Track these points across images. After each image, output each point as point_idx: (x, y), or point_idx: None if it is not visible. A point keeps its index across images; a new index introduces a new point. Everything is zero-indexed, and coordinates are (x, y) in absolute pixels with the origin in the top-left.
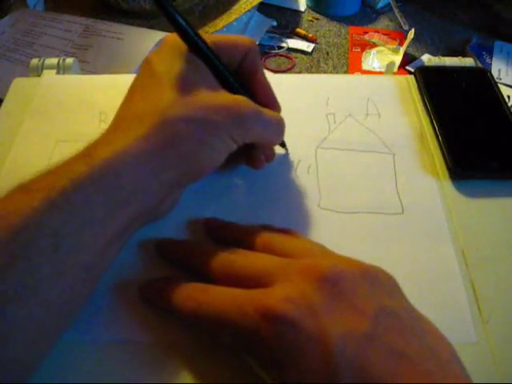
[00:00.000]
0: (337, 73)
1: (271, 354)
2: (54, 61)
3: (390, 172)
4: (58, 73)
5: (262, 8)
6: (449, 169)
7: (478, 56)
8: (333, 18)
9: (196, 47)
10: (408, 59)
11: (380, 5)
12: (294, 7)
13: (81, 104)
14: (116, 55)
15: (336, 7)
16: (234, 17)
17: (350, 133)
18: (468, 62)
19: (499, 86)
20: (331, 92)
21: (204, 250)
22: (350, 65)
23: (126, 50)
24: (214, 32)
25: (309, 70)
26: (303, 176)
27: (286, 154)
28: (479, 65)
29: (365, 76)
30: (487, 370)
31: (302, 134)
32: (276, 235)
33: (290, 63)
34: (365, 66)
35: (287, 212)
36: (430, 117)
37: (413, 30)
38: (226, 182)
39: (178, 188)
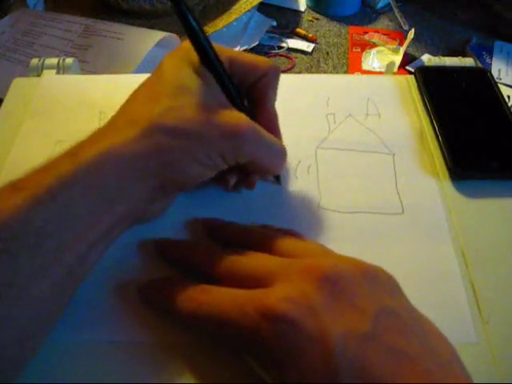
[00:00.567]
0: (337, 73)
1: (271, 354)
2: (53, 61)
3: (390, 172)
4: (57, 73)
5: (262, 8)
6: (449, 169)
7: (478, 56)
8: (333, 18)
9: (206, 57)
10: (408, 59)
11: (380, 5)
12: (294, 7)
13: (81, 104)
14: (116, 55)
15: (336, 7)
16: (233, 17)
17: (350, 133)
18: (468, 61)
19: (499, 85)
20: (331, 92)
21: (204, 250)
22: (350, 65)
23: (126, 50)
24: (214, 32)
25: (309, 70)
26: (303, 176)
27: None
28: (479, 65)
29: (365, 76)
30: (487, 370)
31: (302, 134)
32: (277, 235)
33: (290, 63)
34: (365, 66)
35: (287, 212)
36: (430, 117)
37: (413, 30)
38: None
39: (164, 194)
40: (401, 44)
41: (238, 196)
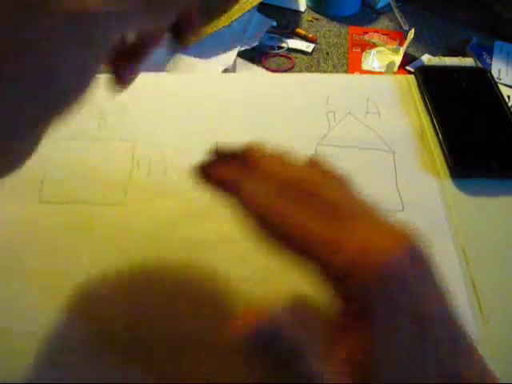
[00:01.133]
0: (337, 73)
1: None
2: None
3: (391, 170)
4: None
5: (262, 8)
6: (449, 167)
7: (478, 56)
8: (333, 18)
9: None
10: (408, 59)
11: (380, 5)
12: (294, 7)
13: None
14: None
15: (336, 7)
16: (233, 17)
17: (350, 131)
18: (468, 61)
19: (499, 86)
20: (331, 91)
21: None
22: (350, 65)
23: None
24: (214, 32)
25: (309, 70)
26: None
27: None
28: (479, 65)
29: (365, 75)
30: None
31: (302, 131)
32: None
33: (290, 63)
34: (365, 66)
35: None
36: (430, 116)
37: (413, 30)
38: None
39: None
40: (401, 44)
41: None
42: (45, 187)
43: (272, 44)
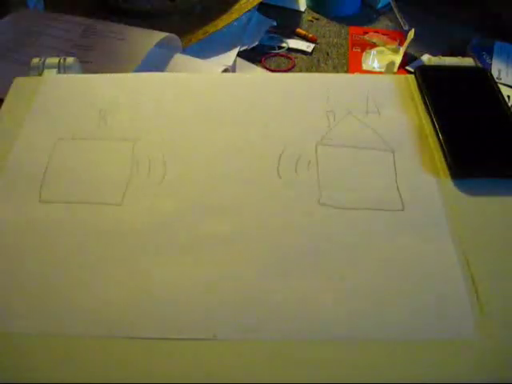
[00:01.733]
0: (337, 73)
1: None
2: (54, 60)
3: (391, 169)
4: (58, 72)
5: (262, 8)
6: (449, 167)
7: (478, 56)
8: (333, 18)
9: None
10: (408, 59)
11: (380, 5)
12: (294, 7)
13: (81, 103)
14: (116, 55)
15: (336, 7)
16: (233, 17)
17: (350, 130)
18: (468, 61)
19: (499, 86)
20: (331, 90)
21: None
22: (350, 65)
23: (127, 50)
24: (214, 32)
25: (309, 70)
26: (303, 172)
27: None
28: (479, 65)
29: (365, 75)
30: (488, 366)
31: (303, 130)
32: None
33: (290, 63)
34: (365, 66)
35: (287, 208)
36: (430, 115)
37: (413, 30)
38: (225, 178)
39: None
40: (401, 44)
41: (236, 190)
42: (45, 187)
43: (272, 44)
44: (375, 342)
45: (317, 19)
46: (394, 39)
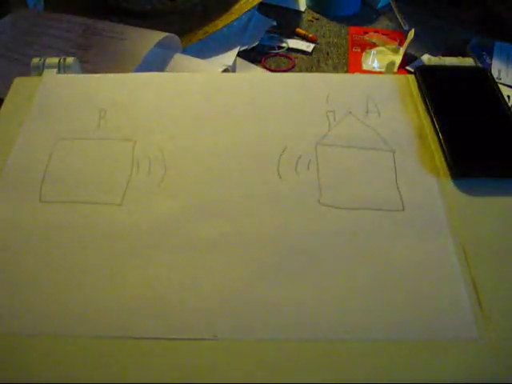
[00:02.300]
0: (337, 73)
1: None
2: (54, 60)
3: (391, 169)
4: (58, 72)
5: (262, 8)
6: (449, 167)
7: (478, 56)
8: (333, 18)
9: None
10: (408, 59)
11: (380, 5)
12: (294, 7)
13: (81, 103)
14: (116, 55)
15: (336, 7)
16: (233, 17)
17: (350, 130)
18: (468, 61)
19: (499, 86)
20: (331, 90)
21: None
22: (350, 65)
23: (127, 50)
24: (214, 32)
25: (309, 70)
26: (303, 172)
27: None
28: (479, 65)
29: (365, 75)
30: (489, 366)
31: (302, 130)
32: None
33: (290, 63)
34: (365, 66)
35: (287, 208)
36: (430, 115)
37: (413, 30)
38: (225, 178)
39: None
40: (401, 44)
41: (236, 191)
42: (45, 187)
43: (272, 44)
44: (375, 342)
45: (317, 19)
46: (394, 39)
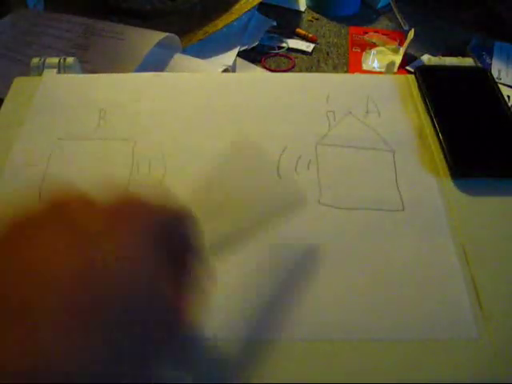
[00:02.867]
0: (337, 73)
1: None
2: (54, 60)
3: (391, 169)
4: (58, 72)
5: (262, 8)
6: (449, 167)
7: (478, 56)
8: (333, 18)
9: None
10: (408, 59)
11: (380, 5)
12: (294, 7)
13: (81, 103)
14: (116, 55)
15: (336, 7)
16: (233, 17)
17: (350, 130)
18: (468, 61)
19: (499, 86)
20: (331, 90)
21: None
22: (350, 65)
23: (126, 50)
24: (214, 32)
25: (309, 70)
26: (303, 172)
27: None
28: (479, 65)
29: (365, 75)
30: (489, 366)
31: (303, 130)
32: None
33: (290, 63)
34: (365, 66)
35: (287, 208)
36: (430, 115)
37: (413, 30)
38: (225, 178)
39: None
40: (401, 44)
41: (236, 190)
42: (45, 187)
43: (272, 44)
44: (375, 342)
45: (317, 19)
46: (394, 39)
